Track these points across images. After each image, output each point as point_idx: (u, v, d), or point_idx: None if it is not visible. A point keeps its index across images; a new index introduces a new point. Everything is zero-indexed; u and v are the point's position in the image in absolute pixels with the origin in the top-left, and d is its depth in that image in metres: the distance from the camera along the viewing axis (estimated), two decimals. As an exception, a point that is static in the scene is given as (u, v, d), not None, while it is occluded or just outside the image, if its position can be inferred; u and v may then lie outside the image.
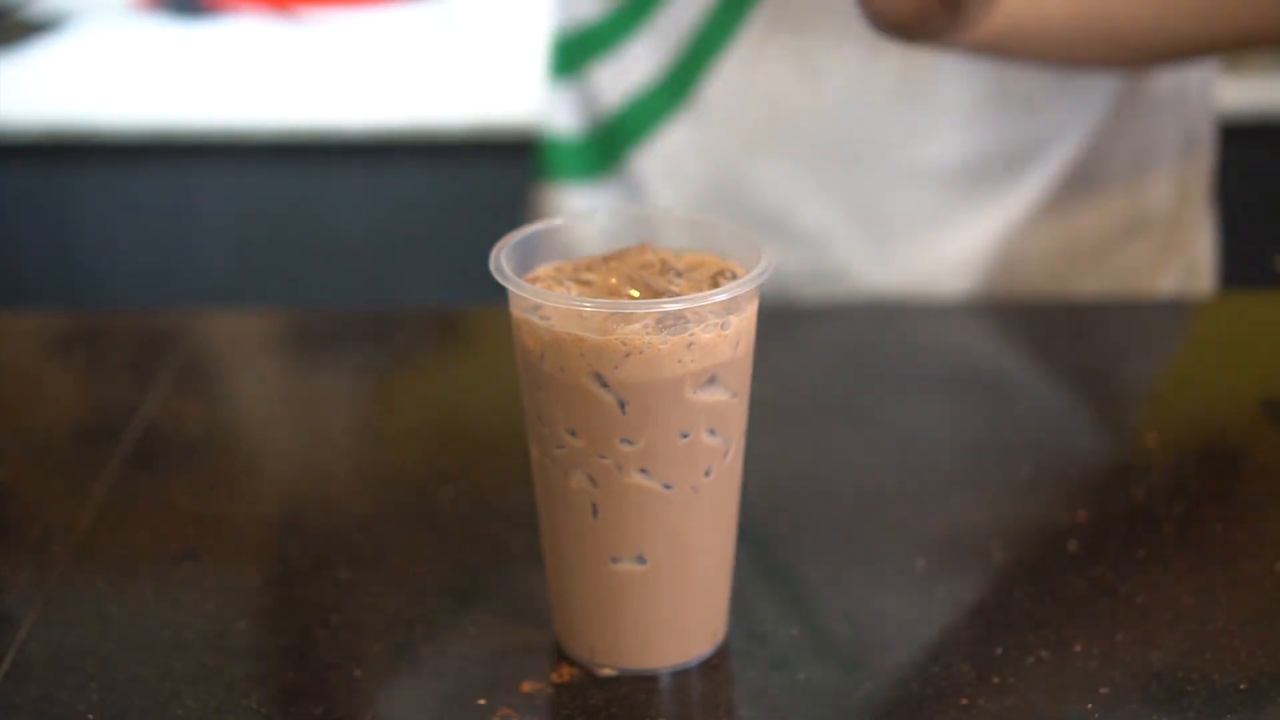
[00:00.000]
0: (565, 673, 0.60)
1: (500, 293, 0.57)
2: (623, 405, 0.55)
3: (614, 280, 0.57)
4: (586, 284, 0.58)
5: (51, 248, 1.95)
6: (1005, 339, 0.95)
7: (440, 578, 0.68)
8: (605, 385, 0.55)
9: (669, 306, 0.54)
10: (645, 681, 0.60)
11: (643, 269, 0.58)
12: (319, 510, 0.75)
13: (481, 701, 0.59)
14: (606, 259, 0.59)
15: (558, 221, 0.61)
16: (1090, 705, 0.58)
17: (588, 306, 0.54)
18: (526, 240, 0.60)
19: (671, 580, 0.59)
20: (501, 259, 0.58)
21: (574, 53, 1.03)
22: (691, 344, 0.54)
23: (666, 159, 1.00)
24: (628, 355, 0.54)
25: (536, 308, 0.55)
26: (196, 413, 0.85)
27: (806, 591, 0.66)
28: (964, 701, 0.58)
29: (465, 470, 0.79)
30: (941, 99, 0.92)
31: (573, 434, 0.56)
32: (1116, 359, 0.90)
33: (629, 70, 0.99)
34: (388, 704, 0.58)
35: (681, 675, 0.60)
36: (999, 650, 0.61)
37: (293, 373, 0.95)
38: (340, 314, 0.98)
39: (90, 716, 0.58)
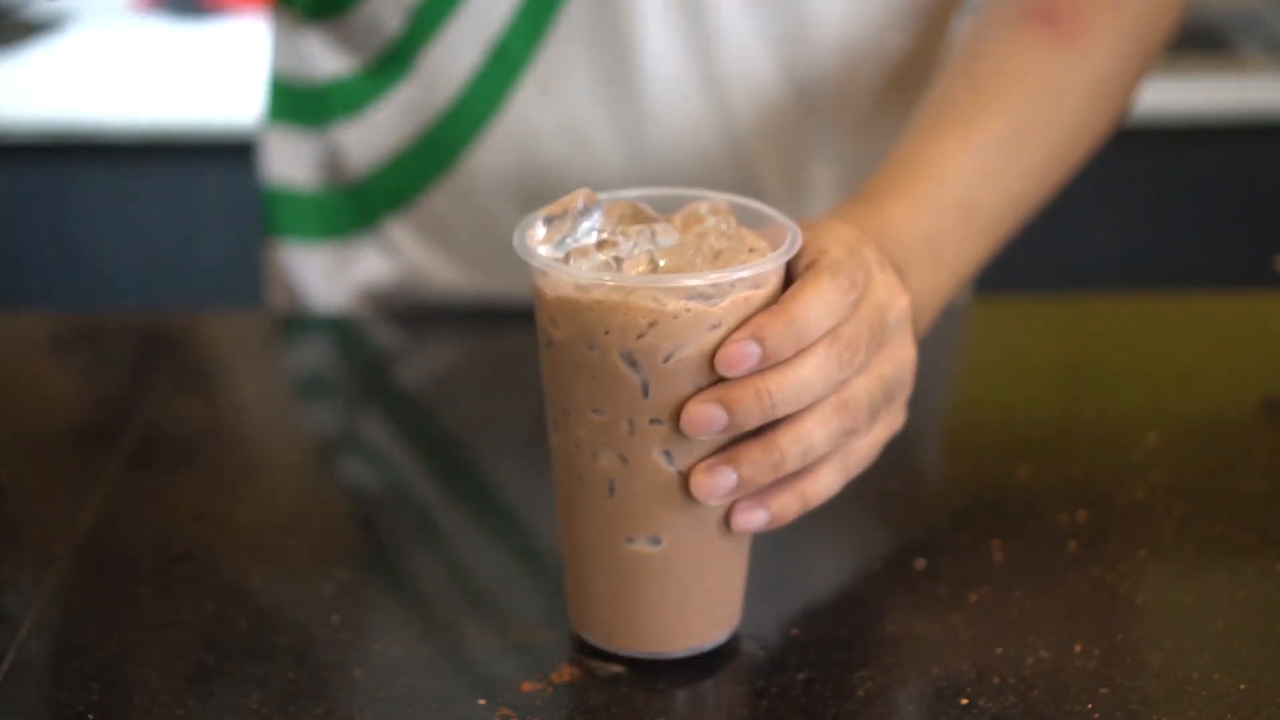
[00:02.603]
0: (565, 673, 0.60)
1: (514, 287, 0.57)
2: (646, 386, 0.55)
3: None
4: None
5: (51, 248, 1.95)
6: (1003, 337, 0.95)
7: (440, 578, 0.68)
8: (633, 364, 0.54)
9: (691, 282, 0.53)
10: (645, 681, 0.60)
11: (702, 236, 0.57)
12: (319, 510, 0.75)
13: (481, 701, 0.59)
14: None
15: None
16: (1090, 705, 0.58)
17: (609, 280, 0.54)
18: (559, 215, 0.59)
19: (688, 563, 0.59)
20: (526, 234, 0.57)
21: (314, 106, 0.95)
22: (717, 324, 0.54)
23: (427, 224, 0.94)
24: (653, 324, 0.54)
25: (576, 285, 0.55)
26: (196, 413, 0.85)
27: (806, 591, 0.66)
28: (964, 701, 0.58)
29: (466, 470, 0.79)
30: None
31: (597, 412, 0.56)
32: (1116, 355, 0.90)
33: (378, 135, 0.92)
34: (388, 704, 0.58)
35: (681, 675, 0.60)
36: (999, 650, 0.61)
37: (292, 373, 0.95)
38: (338, 314, 0.98)
39: (90, 716, 0.58)
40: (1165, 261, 1.94)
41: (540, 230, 0.58)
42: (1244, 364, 0.88)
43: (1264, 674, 0.59)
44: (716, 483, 0.55)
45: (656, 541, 0.58)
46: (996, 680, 0.59)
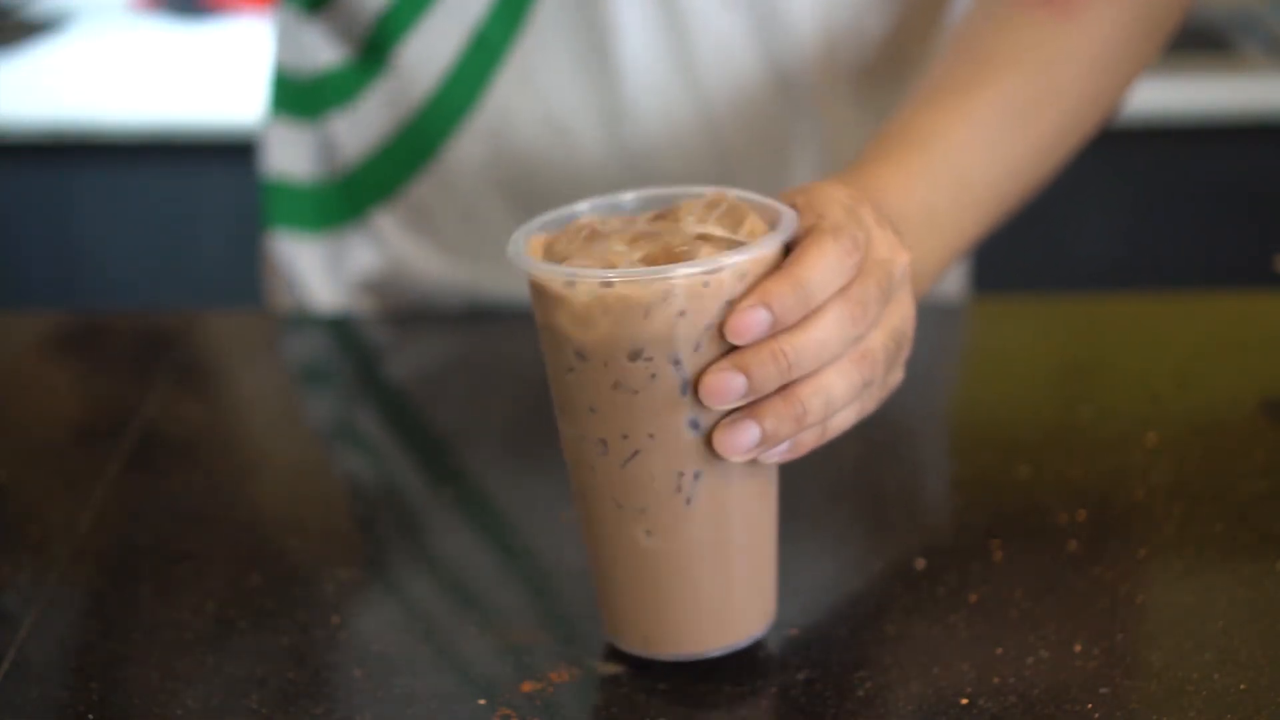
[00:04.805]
0: (565, 673, 0.60)
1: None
2: (685, 383, 0.54)
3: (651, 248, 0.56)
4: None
5: (52, 248, 1.95)
6: (1002, 337, 0.95)
7: (440, 577, 0.68)
8: (674, 361, 0.54)
9: (690, 269, 0.53)
10: (645, 681, 0.60)
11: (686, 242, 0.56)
12: (319, 510, 0.75)
13: (481, 701, 0.59)
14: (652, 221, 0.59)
15: (582, 207, 0.60)
16: (1090, 705, 0.58)
17: (613, 275, 0.53)
18: (550, 225, 0.59)
19: (723, 558, 0.59)
20: (522, 243, 0.57)
21: (310, 98, 0.96)
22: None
23: (412, 215, 0.95)
24: (683, 314, 0.53)
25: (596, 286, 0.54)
26: (196, 413, 0.85)
27: (806, 591, 0.66)
28: (964, 701, 0.58)
29: (466, 470, 0.79)
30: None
31: (651, 437, 0.55)
32: (1116, 355, 0.90)
33: (366, 125, 0.93)
34: (388, 704, 0.58)
35: (681, 675, 0.60)
36: (999, 650, 0.61)
37: (292, 372, 0.95)
38: (337, 314, 0.98)
39: (90, 716, 0.58)
40: (1165, 261, 1.94)
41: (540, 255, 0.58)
42: (1244, 364, 0.88)
43: (1264, 674, 0.59)
44: (739, 438, 0.55)
45: (652, 534, 0.58)
46: (996, 680, 0.59)
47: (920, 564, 0.67)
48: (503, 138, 0.89)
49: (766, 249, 0.54)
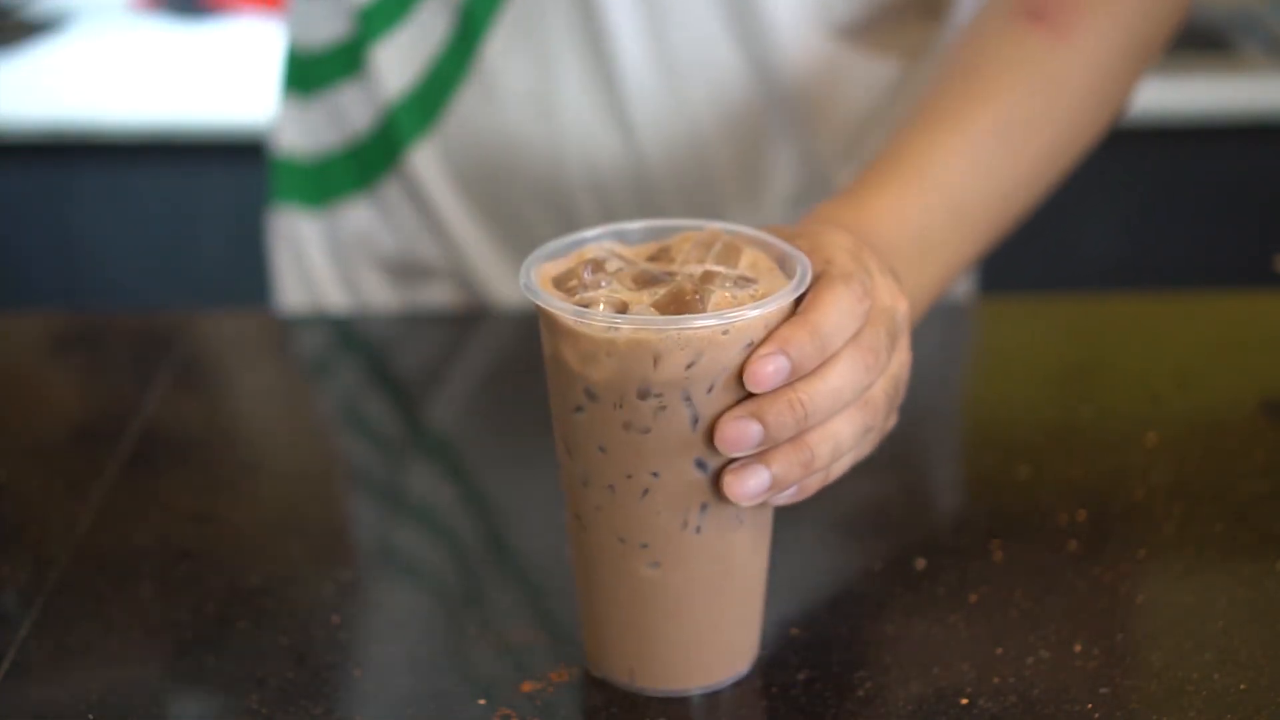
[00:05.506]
0: (565, 673, 0.60)
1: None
2: (696, 419, 0.54)
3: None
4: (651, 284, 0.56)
5: (52, 248, 1.95)
6: (1004, 337, 0.95)
7: (440, 578, 0.68)
8: (686, 398, 0.54)
9: (707, 322, 0.53)
10: (645, 681, 0.60)
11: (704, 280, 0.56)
12: (319, 510, 0.75)
13: (481, 701, 0.59)
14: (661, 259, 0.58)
15: (591, 234, 0.60)
16: (1090, 705, 0.58)
17: (627, 323, 0.53)
18: (556, 252, 0.58)
19: (722, 590, 0.58)
20: (533, 272, 0.56)
21: (319, 70, 0.97)
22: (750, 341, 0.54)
23: (411, 188, 0.95)
24: (700, 352, 0.53)
25: (610, 328, 0.53)
26: (196, 413, 0.85)
27: (806, 591, 0.66)
28: (964, 701, 0.58)
29: (466, 470, 0.79)
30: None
31: (660, 475, 0.55)
32: (1116, 355, 0.90)
33: (379, 88, 0.93)
34: (388, 704, 0.58)
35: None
36: (999, 650, 0.61)
37: (292, 373, 0.95)
38: (336, 315, 0.98)
39: (90, 716, 0.58)
40: (1165, 261, 1.94)
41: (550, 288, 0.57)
42: (1244, 364, 0.88)
43: (1264, 674, 0.59)
44: (748, 483, 0.55)
45: (656, 566, 0.57)
46: (996, 680, 0.59)
47: (920, 564, 0.67)
48: (490, 109, 0.89)
49: (786, 300, 0.54)
